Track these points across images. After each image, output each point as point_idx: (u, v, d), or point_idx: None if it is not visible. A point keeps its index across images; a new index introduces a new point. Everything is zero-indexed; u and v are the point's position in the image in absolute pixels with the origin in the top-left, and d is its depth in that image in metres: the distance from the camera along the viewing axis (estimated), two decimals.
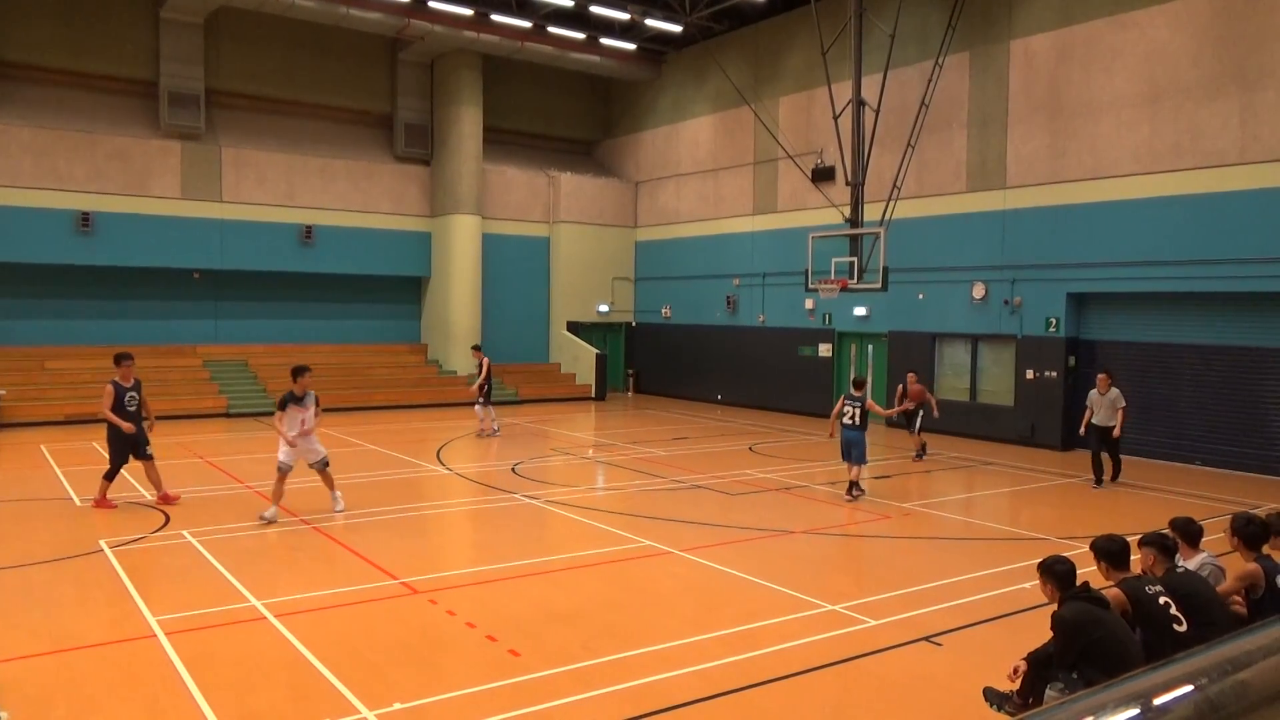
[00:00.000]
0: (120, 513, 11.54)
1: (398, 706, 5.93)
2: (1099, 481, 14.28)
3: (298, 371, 11.36)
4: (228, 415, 21.96)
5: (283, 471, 11.14)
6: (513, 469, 15.32)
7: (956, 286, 20.13)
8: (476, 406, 19.43)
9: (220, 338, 24.83)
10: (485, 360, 19.38)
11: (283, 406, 11.23)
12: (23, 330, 22.32)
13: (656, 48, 27.72)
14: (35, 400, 20.30)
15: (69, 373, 21.58)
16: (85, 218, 22.01)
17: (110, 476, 11.79)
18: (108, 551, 9.63)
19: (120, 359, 11.91)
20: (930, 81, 19.53)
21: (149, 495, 12.20)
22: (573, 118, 30.78)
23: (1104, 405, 14.03)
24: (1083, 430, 14.37)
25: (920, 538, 10.96)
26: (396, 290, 27.81)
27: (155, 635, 7.19)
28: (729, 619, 7.80)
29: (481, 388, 19.14)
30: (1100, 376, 14.24)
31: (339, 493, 11.69)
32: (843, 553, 10.70)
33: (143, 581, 8.60)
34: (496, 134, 28.44)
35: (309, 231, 25.03)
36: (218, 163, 23.94)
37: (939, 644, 7.24)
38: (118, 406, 11.62)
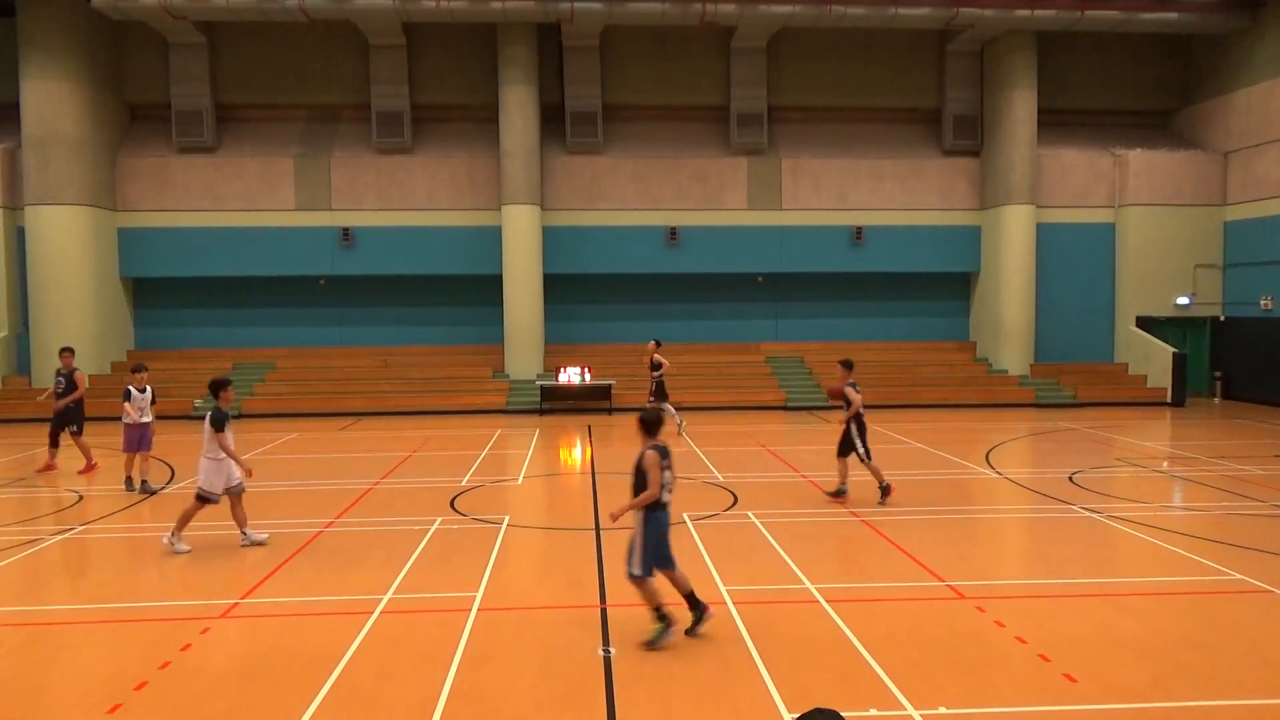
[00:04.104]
0: (697, 491, 13.25)
1: (943, 710, 5.97)
2: None
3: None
4: (785, 408, 23.79)
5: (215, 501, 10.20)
6: (1069, 478, 14.25)
7: None
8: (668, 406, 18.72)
9: (779, 336, 27.01)
10: (656, 355, 18.71)
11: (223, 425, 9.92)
12: (628, 330, 26.69)
13: None
14: (638, 390, 24.15)
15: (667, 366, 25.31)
16: (673, 232, 25.61)
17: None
18: (689, 524, 11.15)
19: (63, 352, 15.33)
20: None
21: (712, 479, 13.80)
22: (1141, 87, 27.38)
23: None
24: None
25: None
26: (943, 287, 27.49)
27: (725, 602, 8.16)
28: None
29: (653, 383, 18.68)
30: None
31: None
32: None
33: (715, 553, 9.81)
34: (1051, 115, 26.50)
35: (859, 232, 25.98)
36: (778, 174, 26.04)
37: None
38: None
